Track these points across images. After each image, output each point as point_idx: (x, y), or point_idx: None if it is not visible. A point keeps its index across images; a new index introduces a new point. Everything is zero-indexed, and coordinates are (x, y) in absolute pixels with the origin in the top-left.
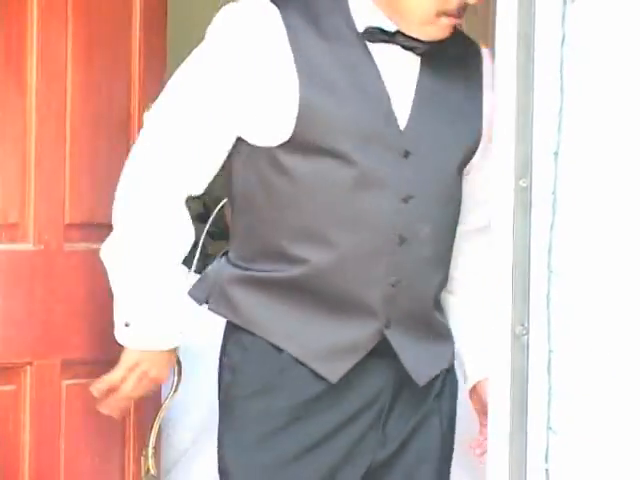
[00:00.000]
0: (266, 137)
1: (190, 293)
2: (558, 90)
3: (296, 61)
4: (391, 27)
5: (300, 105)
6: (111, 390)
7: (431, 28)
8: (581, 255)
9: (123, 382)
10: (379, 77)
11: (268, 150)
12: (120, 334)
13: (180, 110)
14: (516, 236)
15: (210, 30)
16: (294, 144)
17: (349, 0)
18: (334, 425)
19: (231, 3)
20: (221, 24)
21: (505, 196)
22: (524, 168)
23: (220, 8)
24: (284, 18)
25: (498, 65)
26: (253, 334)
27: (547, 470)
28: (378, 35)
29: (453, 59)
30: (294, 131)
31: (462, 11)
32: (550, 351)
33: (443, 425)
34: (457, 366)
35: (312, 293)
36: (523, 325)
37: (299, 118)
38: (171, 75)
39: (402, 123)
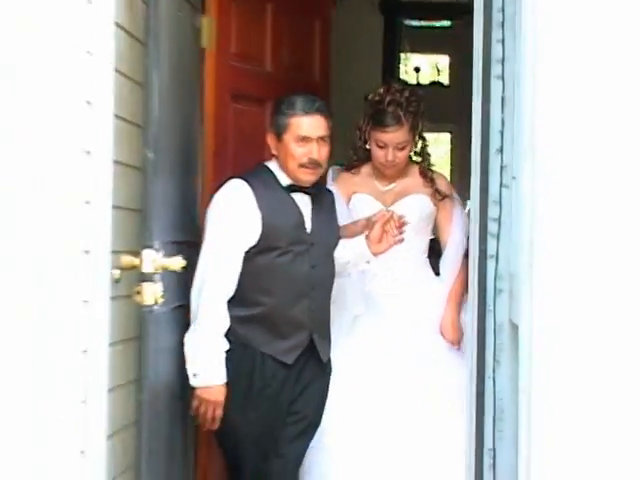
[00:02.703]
0: (246, 247)
1: None
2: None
3: (263, 212)
4: (291, 181)
5: (263, 230)
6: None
7: (298, 174)
8: (510, 286)
9: (200, 412)
10: (299, 209)
11: (246, 254)
12: (191, 381)
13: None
14: (479, 281)
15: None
16: (262, 245)
17: (272, 171)
18: (287, 387)
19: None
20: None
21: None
22: (483, 239)
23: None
24: (252, 189)
25: (473, 186)
26: (245, 346)
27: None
28: (292, 187)
29: (322, 196)
30: (258, 241)
31: (315, 165)
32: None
33: (326, 377)
34: None
35: (270, 320)
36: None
37: (261, 235)
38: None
39: (308, 229)
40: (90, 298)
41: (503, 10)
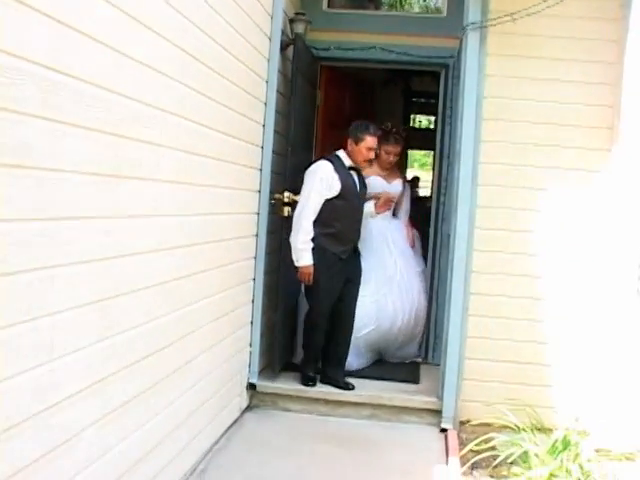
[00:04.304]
0: (330, 196)
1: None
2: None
3: (340, 178)
4: (351, 164)
5: (341, 188)
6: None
7: (361, 165)
8: (448, 218)
9: (302, 278)
10: (354, 178)
11: (329, 200)
12: (295, 263)
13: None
14: (436, 217)
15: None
16: (338, 196)
17: (340, 157)
18: (347, 268)
19: (321, 162)
20: (320, 169)
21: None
22: (439, 196)
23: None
24: (333, 165)
25: (436, 171)
26: (325, 249)
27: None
28: (350, 167)
29: (359, 172)
30: (339, 193)
31: (371, 161)
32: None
33: (359, 261)
34: None
35: (338, 237)
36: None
37: (340, 191)
38: None
39: (358, 189)
40: (261, 212)
41: (451, 100)
